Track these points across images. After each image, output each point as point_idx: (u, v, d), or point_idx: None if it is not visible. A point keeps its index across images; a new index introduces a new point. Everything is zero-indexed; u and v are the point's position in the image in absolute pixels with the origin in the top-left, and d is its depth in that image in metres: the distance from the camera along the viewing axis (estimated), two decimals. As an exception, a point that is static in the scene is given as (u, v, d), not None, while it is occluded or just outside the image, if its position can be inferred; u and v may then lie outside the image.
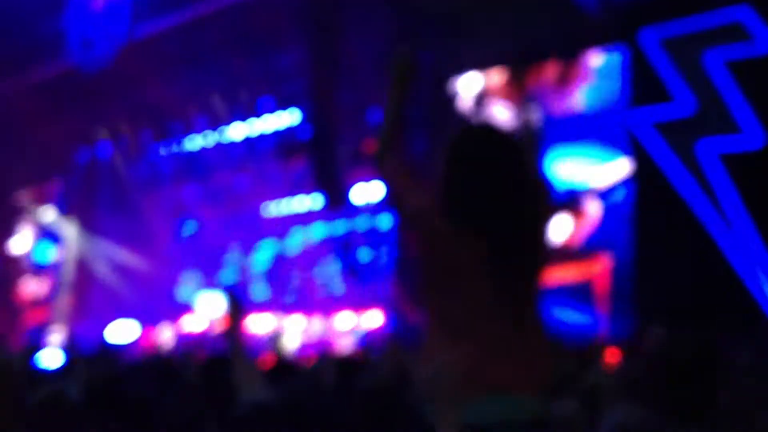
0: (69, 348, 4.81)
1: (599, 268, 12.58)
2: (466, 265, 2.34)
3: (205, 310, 19.13)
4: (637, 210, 12.12)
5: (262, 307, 18.71)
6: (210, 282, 20.94)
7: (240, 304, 2.68)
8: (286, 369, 4.88)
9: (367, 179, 18.03)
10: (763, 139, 10.66)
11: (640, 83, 12.19)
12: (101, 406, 3.47)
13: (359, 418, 3.87)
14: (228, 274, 21.08)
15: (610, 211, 12.66)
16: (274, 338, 5.28)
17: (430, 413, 2.36)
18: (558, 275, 12.28)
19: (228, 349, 3.75)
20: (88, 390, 3.60)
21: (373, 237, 17.54)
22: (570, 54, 13.36)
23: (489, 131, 2.50)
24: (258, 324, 15.28)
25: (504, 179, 2.38)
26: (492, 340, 2.32)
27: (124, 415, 3.36)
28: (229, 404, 3.25)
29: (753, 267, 10.53)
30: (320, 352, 8.43)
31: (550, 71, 13.52)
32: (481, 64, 14.07)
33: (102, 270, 21.22)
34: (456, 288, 2.36)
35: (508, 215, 2.35)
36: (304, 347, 13.75)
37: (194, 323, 19.10)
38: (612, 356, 7.72)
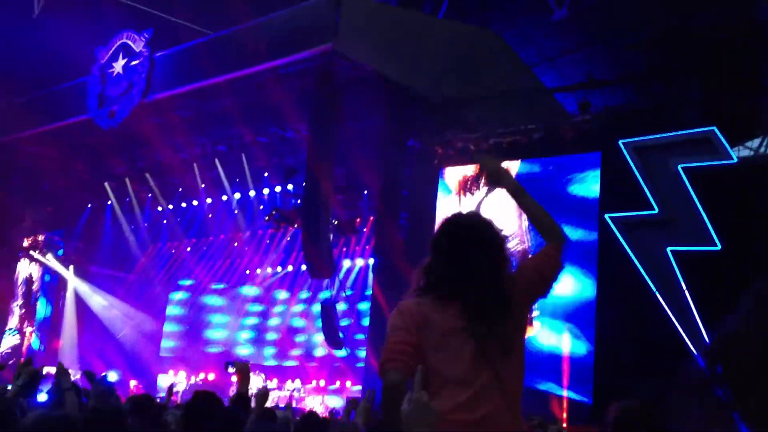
0: (60, 378, 5.15)
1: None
2: (452, 329, 2.68)
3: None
4: (600, 300, 12.83)
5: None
6: (196, 339, 21.36)
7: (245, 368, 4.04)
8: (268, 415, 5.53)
9: (352, 254, 18.59)
10: (720, 242, 11.48)
11: (612, 186, 13.04)
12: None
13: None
14: (216, 333, 21.52)
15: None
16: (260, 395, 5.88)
17: None
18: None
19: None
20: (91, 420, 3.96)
21: (353, 307, 18.04)
22: (551, 153, 14.14)
23: (471, 220, 2.91)
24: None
25: (482, 261, 2.74)
26: (476, 388, 2.62)
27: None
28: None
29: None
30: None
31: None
32: (467, 157, 14.80)
33: (99, 316, 21.54)
34: (447, 347, 2.69)
35: (486, 289, 2.71)
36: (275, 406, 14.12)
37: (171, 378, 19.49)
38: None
